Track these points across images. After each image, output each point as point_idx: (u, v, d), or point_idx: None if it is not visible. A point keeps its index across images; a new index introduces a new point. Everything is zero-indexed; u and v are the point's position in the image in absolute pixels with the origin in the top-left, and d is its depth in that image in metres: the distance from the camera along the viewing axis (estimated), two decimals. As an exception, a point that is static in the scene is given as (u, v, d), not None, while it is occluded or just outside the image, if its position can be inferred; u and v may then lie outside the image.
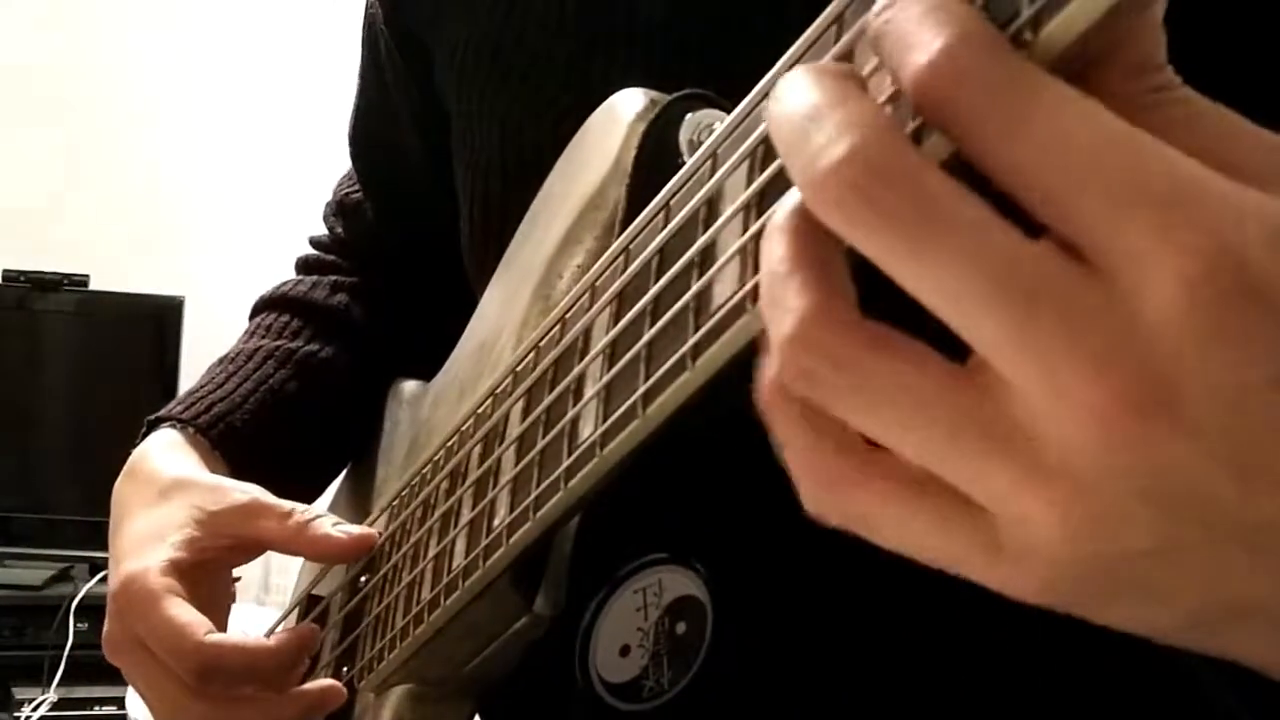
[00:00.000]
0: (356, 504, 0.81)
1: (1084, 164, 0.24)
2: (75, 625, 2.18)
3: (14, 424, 2.56)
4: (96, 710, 2.17)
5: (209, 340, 2.13)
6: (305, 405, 0.79)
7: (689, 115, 0.50)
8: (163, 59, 2.86)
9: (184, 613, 0.61)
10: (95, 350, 2.65)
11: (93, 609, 2.18)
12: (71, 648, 2.16)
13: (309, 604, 0.77)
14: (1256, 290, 0.23)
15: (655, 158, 0.51)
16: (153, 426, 0.75)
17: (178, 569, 0.63)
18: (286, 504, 0.66)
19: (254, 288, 0.90)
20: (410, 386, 0.79)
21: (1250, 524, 0.24)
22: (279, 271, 0.93)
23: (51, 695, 2.16)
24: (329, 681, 0.66)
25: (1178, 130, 0.25)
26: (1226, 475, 0.24)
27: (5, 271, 2.57)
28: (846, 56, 0.29)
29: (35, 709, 2.14)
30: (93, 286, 2.62)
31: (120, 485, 0.71)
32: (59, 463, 2.60)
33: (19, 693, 2.20)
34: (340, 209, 0.90)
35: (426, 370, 0.75)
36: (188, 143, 2.87)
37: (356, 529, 0.65)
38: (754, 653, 0.56)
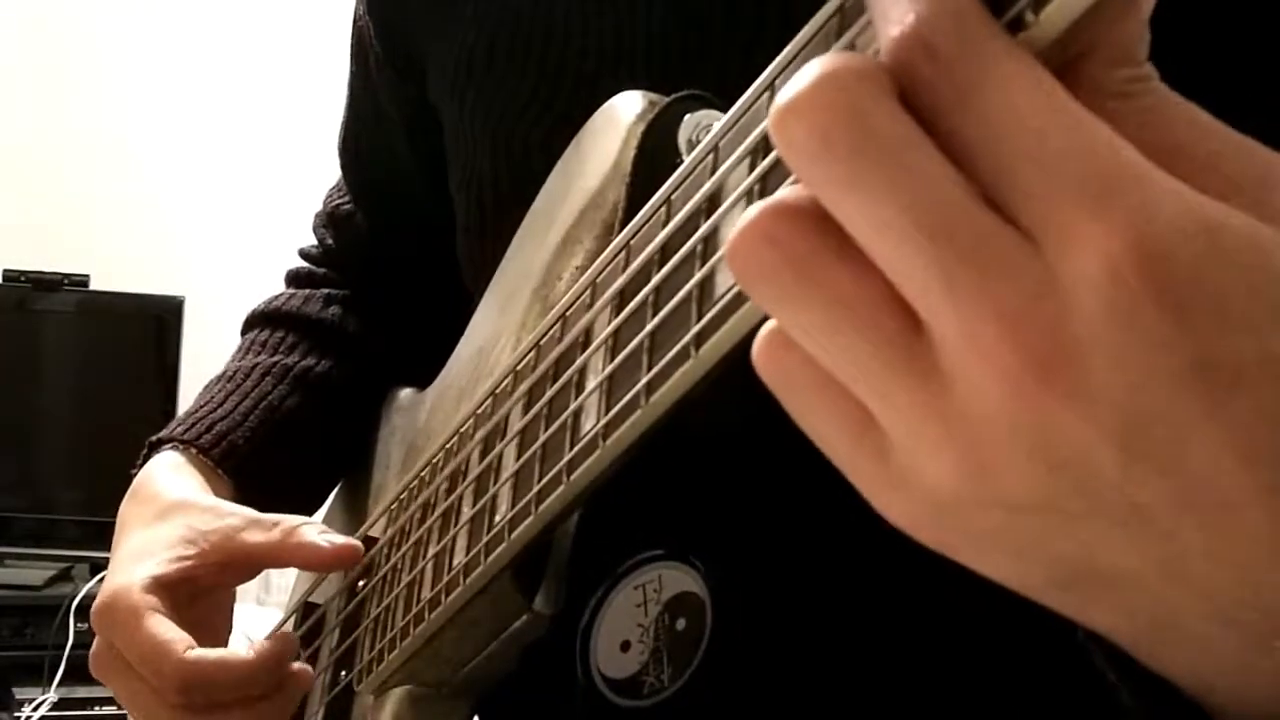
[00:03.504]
0: (352, 512, 0.81)
1: (1027, 138, 0.24)
2: (75, 625, 2.17)
3: (14, 424, 2.56)
4: (96, 710, 2.16)
5: (209, 340, 2.13)
6: (305, 420, 0.80)
7: (688, 116, 0.50)
8: (164, 60, 2.86)
9: (165, 630, 0.61)
10: (95, 350, 2.64)
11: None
12: (71, 648, 2.15)
13: (305, 611, 0.77)
14: (1176, 287, 0.23)
15: (655, 158, 0.51)
16: (154, 448, 0.75)
17: (162, 585, 0.63)
18: (273, 516, 0.66)
19: (254, 288, 0.90)
20: (406, 394, 0.79)
21: (1128, 502, 0.25)
22: (279, 272, 0.93)
23: (51, 695, 2.15)
24: (297, 666, 0.66)
25: (1149, 121, 0.26)
26: (1112, 451, 0.24)
27: (5, 271, 2.57)
28: (849, 49, 0.29)
29: (35, 709, 2.14)
30: (93, 286, 2.62)
31: (124, 507, 0.72)
32: (59, 463, 2.59)
33: (19, 693, 2.19)
34: (331, 220, 0.90)
35: (422, 379, 0.75)
36: (188, 143, 2.87)
37: (341, 539, 0.65)
38: (753, 649, 0.56)
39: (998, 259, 0.24)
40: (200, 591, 0.65)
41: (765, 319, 0.33)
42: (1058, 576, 0.28)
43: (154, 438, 0.76)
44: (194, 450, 0.74)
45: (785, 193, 0.27)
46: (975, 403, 0.25)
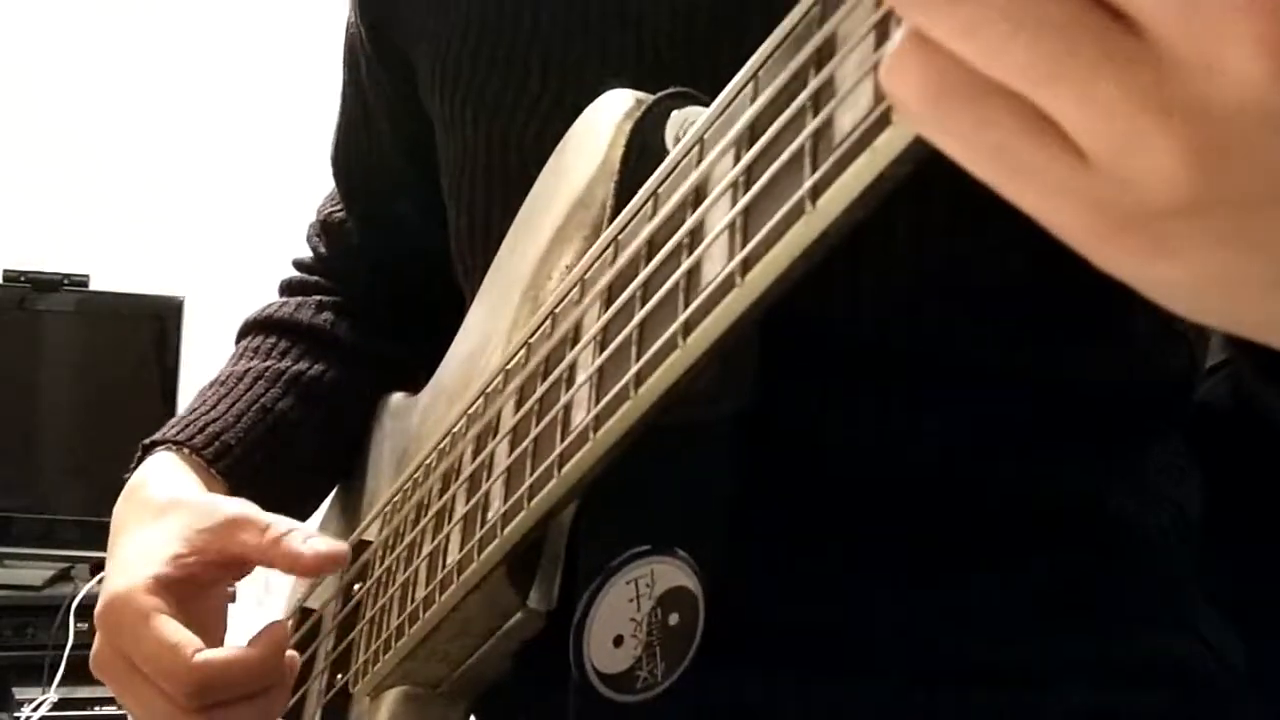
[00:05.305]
0: (346, 517, 0.81)
1: None
2: (75, 625, 2.17)
3: (14, 424, 2.56)
4: (96, 710, 2.16)
5: (209, 340, 2.13)
6: (297, 422, 0.80)
7: (674, 113, 0.51)
8: (164, 60, 2.86)
9: (174, 632, 0.61)
10: (95, 350, 2.65)
11: (93, 609, 2.16)
12: (71, 648, 2.15)
13: (301, 616, 0.77)
14: None
15: (642, 156, 0.51)
16: (148, 451, 0.76)
17: (164, 586, 0.63)
18: (266, 518, 0.65)
19: (254, 288, 0.90)
20: (397, 399, 0.80)
21: None
22: (279, 273, 0.93)
23: (52, 695, 2.15)
24: (288, 655, 0.65)
25: None
26: None
27: (5, 271, 2.57)
28: (831, 38, 0.29)
29: (35, 709, 2.14)
30: (93, 286, 2.62)
31: (119, 508, 0.72)
32: (59, 463, 2.59)
33: (19, 693, 2.19)
34: (323, 228, 0.91)
35: (416, 384, 0.75)
36: (188, 143, 2.86)
37: (325, 544, 0.65)
38: (746, 643, 0.56)
39: None
40: (200, 589, 0.66)
41: (753, 309, 0.33)
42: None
43: (147, 440, 0.76)
44: (187, 450, 0.74)
45: None
46: (1208, 84, 0.22)
